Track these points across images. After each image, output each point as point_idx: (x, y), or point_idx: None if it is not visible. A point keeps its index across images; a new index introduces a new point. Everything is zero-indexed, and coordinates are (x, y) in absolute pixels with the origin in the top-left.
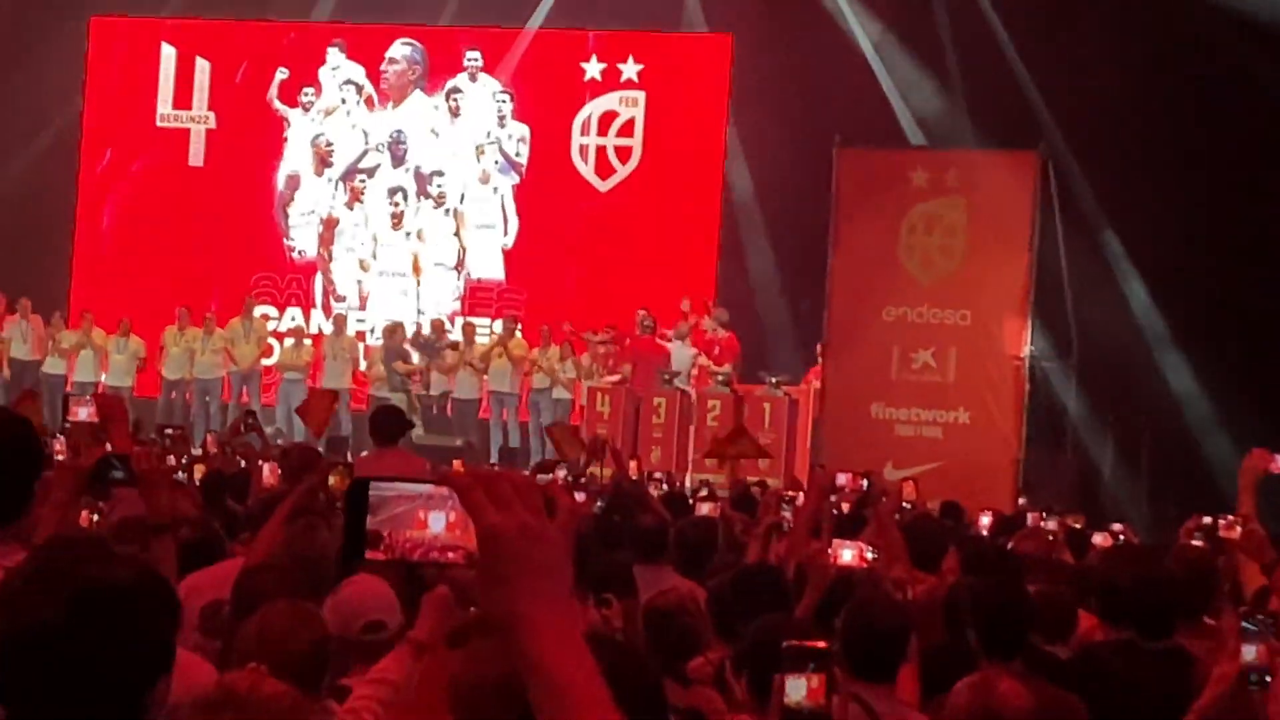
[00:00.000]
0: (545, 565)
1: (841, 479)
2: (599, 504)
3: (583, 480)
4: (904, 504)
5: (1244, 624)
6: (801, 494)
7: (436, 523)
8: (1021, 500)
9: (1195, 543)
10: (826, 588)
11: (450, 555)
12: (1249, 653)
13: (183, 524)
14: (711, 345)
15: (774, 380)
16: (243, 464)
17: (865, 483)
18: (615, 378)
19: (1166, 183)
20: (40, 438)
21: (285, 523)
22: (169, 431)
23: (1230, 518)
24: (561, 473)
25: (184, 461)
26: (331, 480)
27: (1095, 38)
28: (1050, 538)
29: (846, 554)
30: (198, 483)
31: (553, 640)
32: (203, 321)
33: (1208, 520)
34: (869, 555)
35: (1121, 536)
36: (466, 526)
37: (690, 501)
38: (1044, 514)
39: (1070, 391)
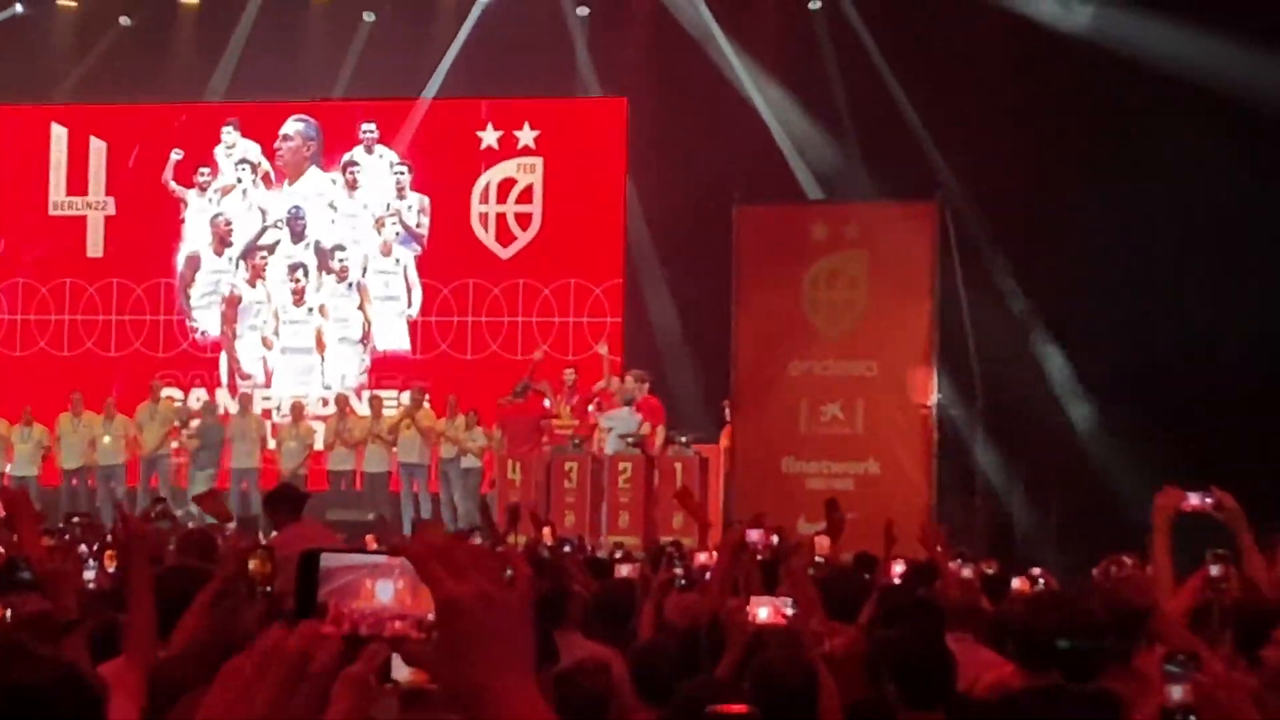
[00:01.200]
0: (508, 636)
1: (753, 535)
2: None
3: (500, 550)
4: (817, 559)
5: (1166, 665)
6: (706, 553)
7: (384, 592)
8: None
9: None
10: (746, 646)
11: (399, 625)
12: (1174, 693)
13: (90, 617)
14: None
15: (684, 440)
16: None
17: (775, 538)
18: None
19: (1063, 226)
20: None
21: (208, 609)
22: (76, 520)
23: (1126, 559)
24: (477, 541)
25: (95, 549)
26: (251, 564)
27: (989, 86)
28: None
29: (763, 611)
30: (110, 569)
31: (519, 715)
32: (102, 407)
33: (1127, 560)
34: (787, 611)
35: (1041, 581)
36: (416, 594)
37: (611, 565)
38: (960, 561)
39: (978, 438)
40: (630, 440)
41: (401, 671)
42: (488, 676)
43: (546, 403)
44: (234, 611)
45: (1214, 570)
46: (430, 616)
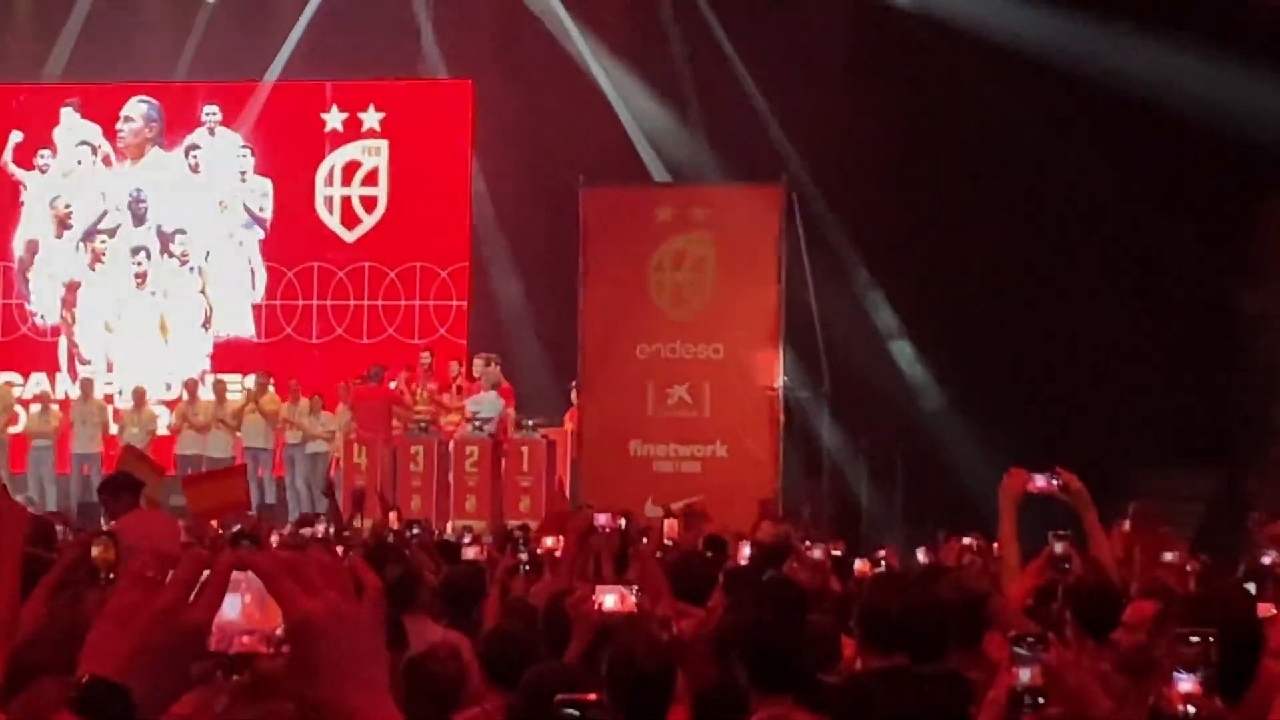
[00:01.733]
0: (360, 652)
1: (600, 519)
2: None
3: (345, 534)
4: (666, 541)
5: (1014, 647)
6: (552, 536)
7: (232, 606)
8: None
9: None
10: (593, 632)
11: (247, 640)
12: (1023, 675)
13: None
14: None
15: (530, 423)
16: None
17: (623, 522)
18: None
19: (909, 207)
20: None
21: (49, 596)
22: None
23: (966, 541)
24: (322, 526)
25: None
26: (95, 551)
27: (834, 67)
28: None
29: (609, 599)
30: None
31: None
32: None
33: (968, 541)
34: (633, 598)
35: (884, 562)
36: (264, 606)
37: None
38: (808, 542)
39: (824, 420)
40: (475, 424)
41: None
42: (345, 694)
43: (392, 385)
44: (76, 599)
45: (1057, 549)
46: (279, 631)
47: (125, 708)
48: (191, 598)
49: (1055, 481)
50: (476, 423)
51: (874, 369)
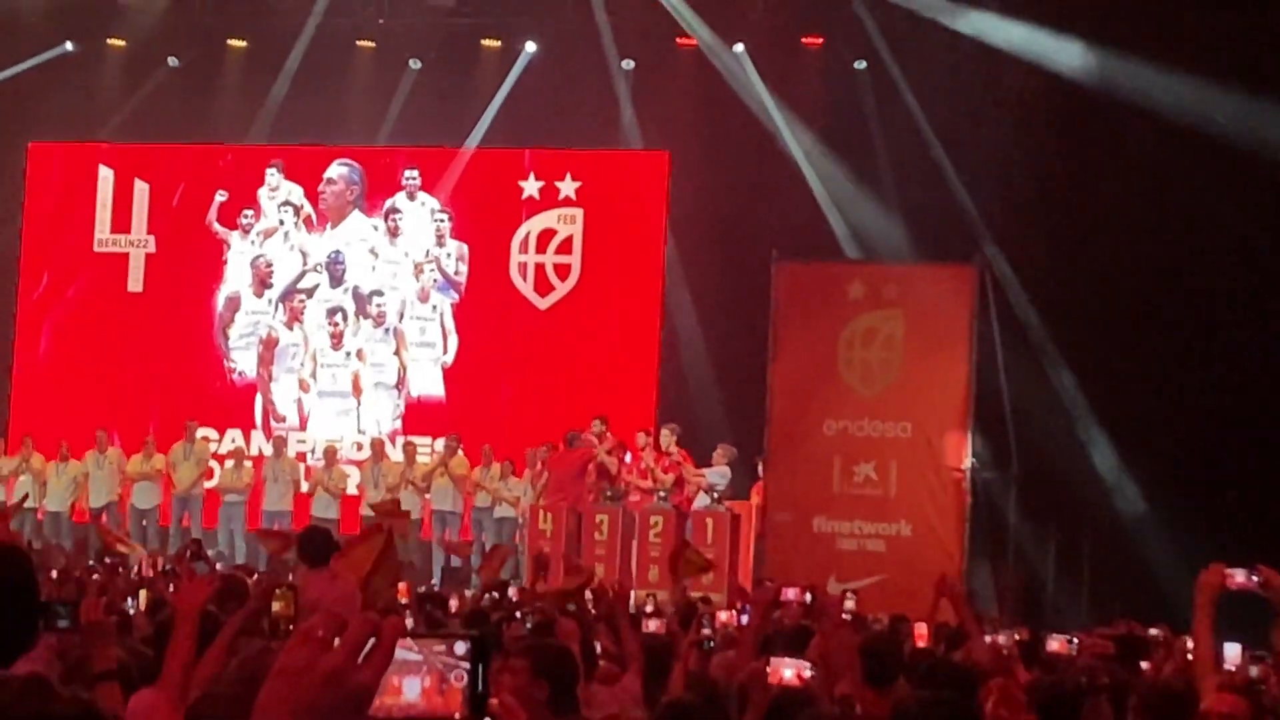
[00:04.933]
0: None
1: (789, 593)
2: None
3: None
4: (843, 615)
5: None
6: (727, 611)
7: (411, 689)
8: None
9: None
10: (768, 706)
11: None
12: None
13: (130, 667)
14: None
15: (716, 495)
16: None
17: (809, 597)
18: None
19: (1103, 290)
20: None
21: (228, 649)
22: (108, 560)
23: (1154, 632)
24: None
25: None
26: (276, 606)
27: (1031, 148)
28: (1004, 651)
29: (787, 672)
30: (142, 609)
31: None
32: (143, 445)
33: (1154, 632)
34: (807, 673)
35: (1075, 641)
36: (444, 691)
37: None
38: (989, 627)
39: (1010, 502)
40: (661, 495)
41: None
42: None
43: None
44: (266, 650)
45: (1253, 672)
46: (458, 715)
47: None
48: (360, 660)
49: (1255, 578)
50: (714, 494)
51: (1061, 451)
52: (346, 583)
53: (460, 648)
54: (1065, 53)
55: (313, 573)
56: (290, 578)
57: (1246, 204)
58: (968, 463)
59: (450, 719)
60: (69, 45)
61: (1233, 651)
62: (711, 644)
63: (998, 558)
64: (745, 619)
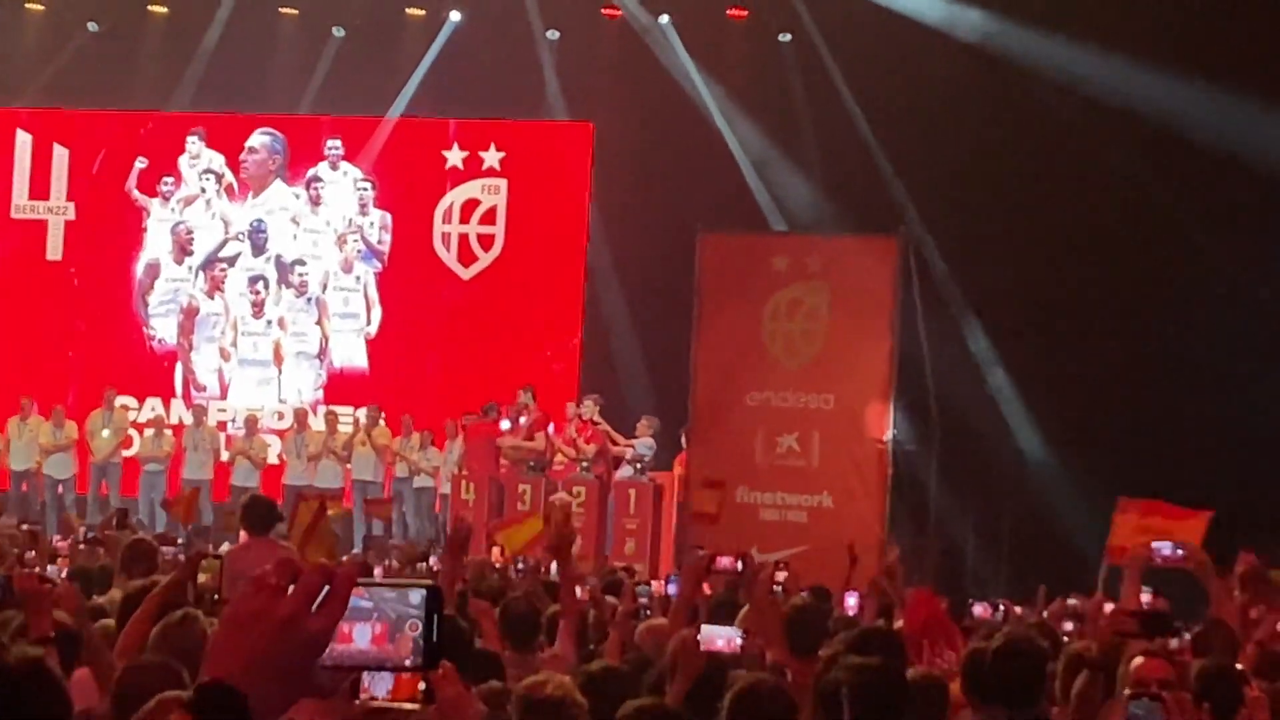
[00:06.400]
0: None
1: (723, 561)
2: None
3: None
4: (774, 587)
5: (1131, 706)
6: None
7: (361, 636)
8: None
9: (1066, 625)
10: (696, 673)
11: (387, 666)
12: None
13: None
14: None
15: (639, 466)
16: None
17: (740, 564)
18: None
19: (1024, 262)
20: None
21: (152, 618)
22: (25, 527)
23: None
24: (435, 560)
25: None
26: (202, 577)
27: (953, 121)
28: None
29: (719, 641)
30: (63, 577)
31: None
32: (50, 413)
33: (1073, 602)
34: (738, 641)
35: (1002, 608)
36: (396, 639)
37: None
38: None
39: (931, 473)
40: (583, 465)
41: (380, 689)
42: None
43: (504, 425)
44: (189, 618)
45: (1173, 644)
46: (408, 663)
47: (240, 712)
48: (314, 608)
49: (1180, 552)
50: (639, 465)
51: (982, 423)
52: (273, 547)
53: (415, 596)
54: (978, 24)
55: (254, 541)
56: (212, 548)
57: (1168, 177)
58: (890, 434)
59: (401, 666)
60: None
61: (1175, 644)
62: (648, 613)
63: (919, 529)
64: (673, 589)
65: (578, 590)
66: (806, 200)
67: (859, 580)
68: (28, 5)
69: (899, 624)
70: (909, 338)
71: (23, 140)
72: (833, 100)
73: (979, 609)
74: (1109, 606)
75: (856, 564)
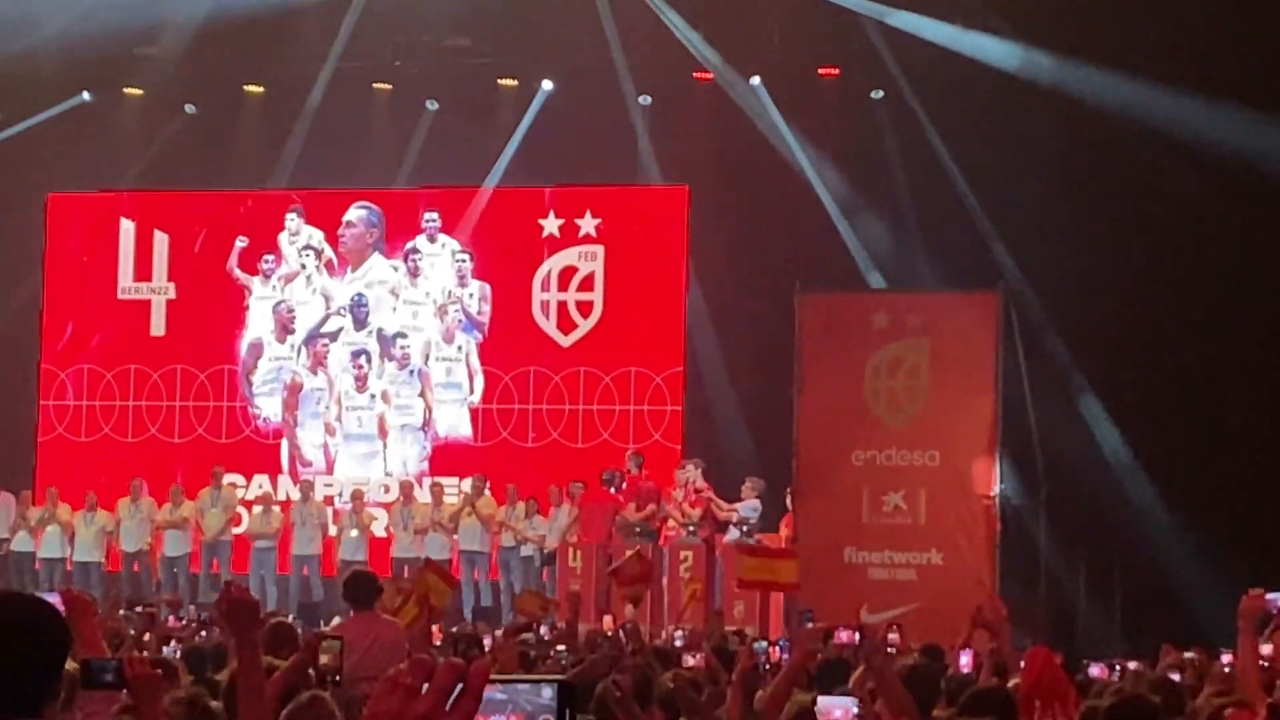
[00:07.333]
0: None
1: (842, 636)
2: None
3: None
4: (888, 649)
5: None
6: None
7: None
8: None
9: (1173, 676)
10: None
11: None
12: None
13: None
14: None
15: (746, 529)
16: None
17: (857, 636)
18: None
19: (1127, 314)
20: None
21: (279, 700)
22: (139, 609)
23: (1189, 655)
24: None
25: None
26: (324, 658)
27: (1051, 175)
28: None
29: (835, 711)
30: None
31: None
32: (167, 493)
33: (1189, 655)
34: (854, 711)
35: (1118, 669)
36: None
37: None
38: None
39: (1040, 528)
40: (690, 530)
41: None
42: None
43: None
44: (317, 699)
45: None
46: None
47: None
48: (449, 706)
49: None
50: (745, 528)
51: (1090, 476)
52: (391, 625)
53: (546, 692)
54: (1049, 67)
55: (358, 615)
56: (322, 624)
57: (1266, 221)
58: (996, 489)
59: None
60: (86, 95)
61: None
62: (767, 668)
63: (1029, 584)
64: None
65: (691, 658)
66: (904, 257)
67: (978, 639)
68: (127, 91)
69: (1014, 682)
70: (1012, 392)
71: (126, 227)
72: (927, 155)
73: (1095, 669)
74: (1227, 658)
75: (977, 626)
